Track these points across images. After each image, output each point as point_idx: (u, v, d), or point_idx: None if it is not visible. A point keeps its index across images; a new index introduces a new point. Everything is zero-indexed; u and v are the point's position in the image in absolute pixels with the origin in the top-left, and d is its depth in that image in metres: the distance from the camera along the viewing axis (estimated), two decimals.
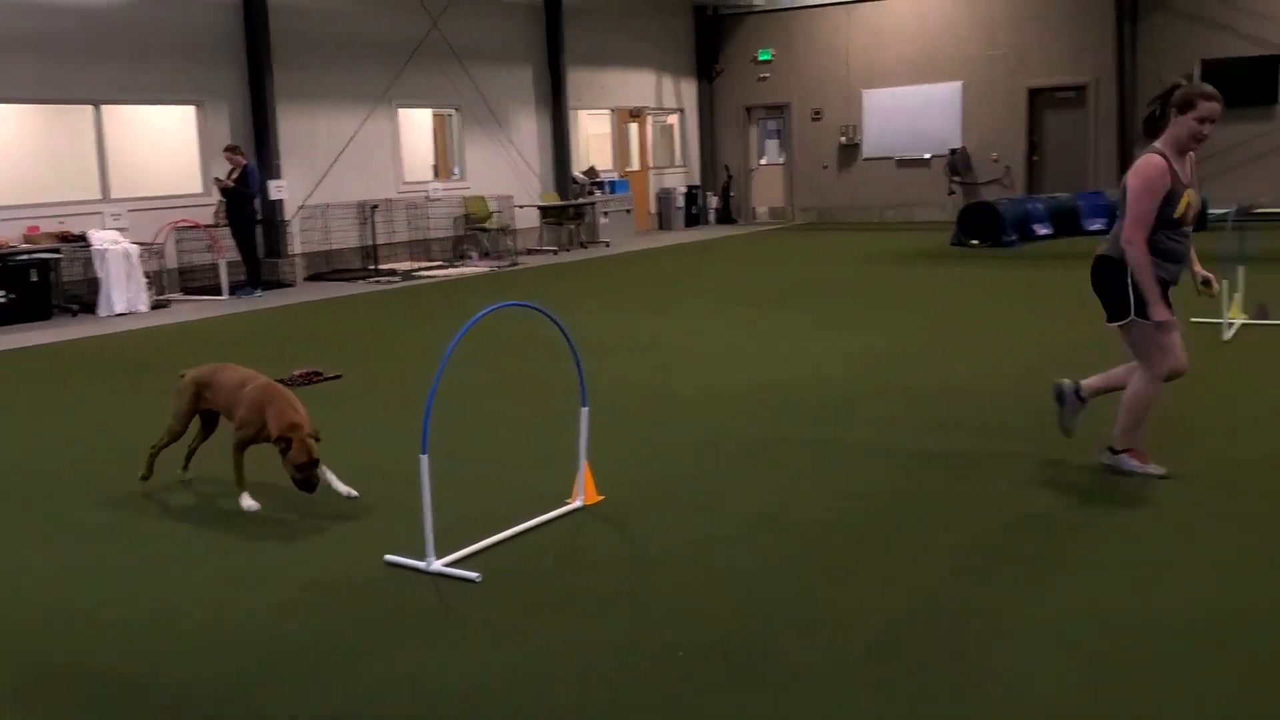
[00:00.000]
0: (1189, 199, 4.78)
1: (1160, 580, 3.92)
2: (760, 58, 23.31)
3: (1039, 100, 21.05)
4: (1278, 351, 7.80)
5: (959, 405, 6.63)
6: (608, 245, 18.93)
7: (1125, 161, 19.92)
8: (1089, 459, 5.31)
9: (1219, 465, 5.23)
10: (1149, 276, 4.76)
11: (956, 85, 21.53)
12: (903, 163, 22.38)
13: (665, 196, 22.52)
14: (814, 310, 10.83)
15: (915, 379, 7.40)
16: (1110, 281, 4.92)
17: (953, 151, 21.49)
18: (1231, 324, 8.56)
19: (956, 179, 21.43)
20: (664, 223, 22.41)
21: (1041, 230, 17.25)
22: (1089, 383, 5.29)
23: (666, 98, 22.89)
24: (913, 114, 22.02)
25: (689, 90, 23.55)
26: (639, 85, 22.00)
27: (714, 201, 23.64)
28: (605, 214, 19.42)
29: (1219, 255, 8.80)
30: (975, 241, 16.53)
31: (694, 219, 22.89)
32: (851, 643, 3.51)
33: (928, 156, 22.01)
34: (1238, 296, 8.95)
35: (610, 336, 9.61)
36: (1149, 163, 4.74)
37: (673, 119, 23.39)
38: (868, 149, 22.64)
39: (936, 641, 3.49)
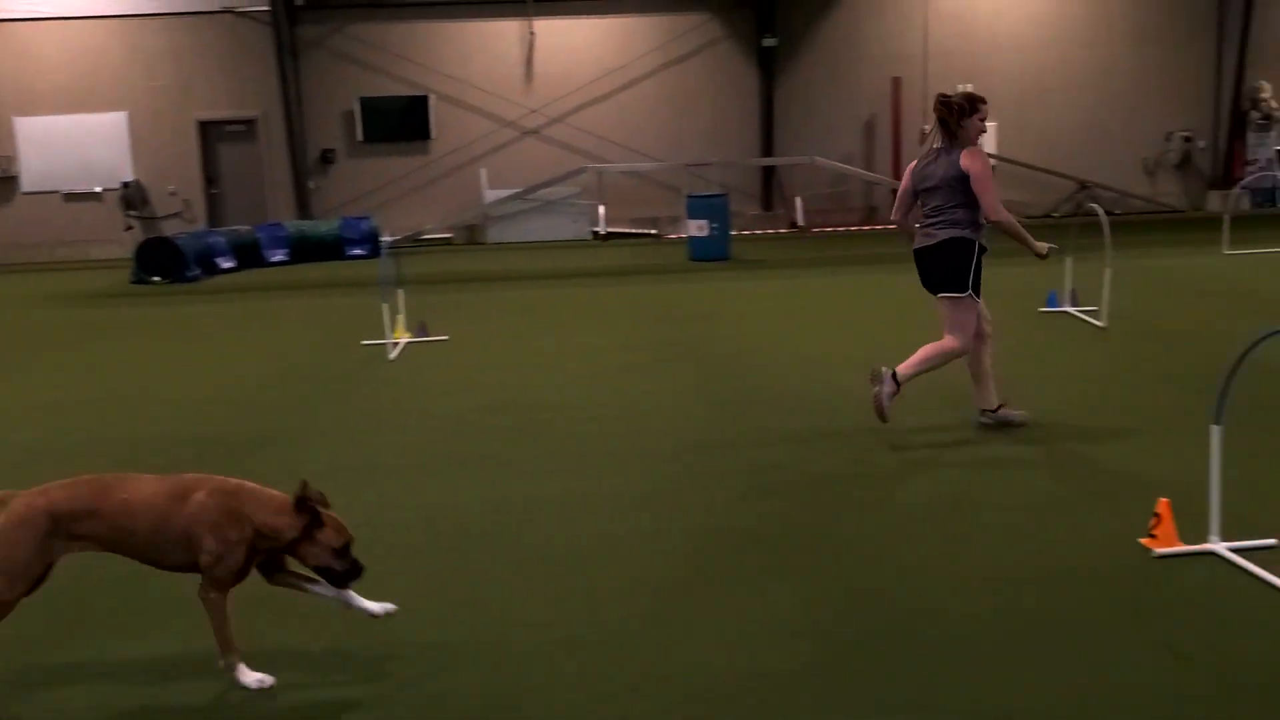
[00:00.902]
0: None
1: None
2: None
3: (211, 132, 20.87)
4: (439, 364, 8.53)
5: (131, 452, 6.20)
6: None
7: (301, 192, 20.61)
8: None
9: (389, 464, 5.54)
10: (1021, 228, 5.67)
11: (122, 115, 20.49)
12: (71, 196, 20.72)
13: None
14: None
15: (93, 432, 6.77)
16: (960, 259, 5.64)
17: (126, 184, 20.40)
18: (397, 343, 9.20)
19: (133, 213, 20.37)
20: None
21: (225, 263, 17.14)
22: (902, 368, 5.72)
23: None
24: (77, 144, 20.51)
25: None
26: None
27: None
28: None
29: (381, 281, 9.41)
30: (157, 278, 15.84)
31: None
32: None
33: (99, 190, 20.64)
34: (400, 318, 9.65)
35: None
36: (980, 153, 5.65)
37: None
38: (28, 182, 20.59)
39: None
